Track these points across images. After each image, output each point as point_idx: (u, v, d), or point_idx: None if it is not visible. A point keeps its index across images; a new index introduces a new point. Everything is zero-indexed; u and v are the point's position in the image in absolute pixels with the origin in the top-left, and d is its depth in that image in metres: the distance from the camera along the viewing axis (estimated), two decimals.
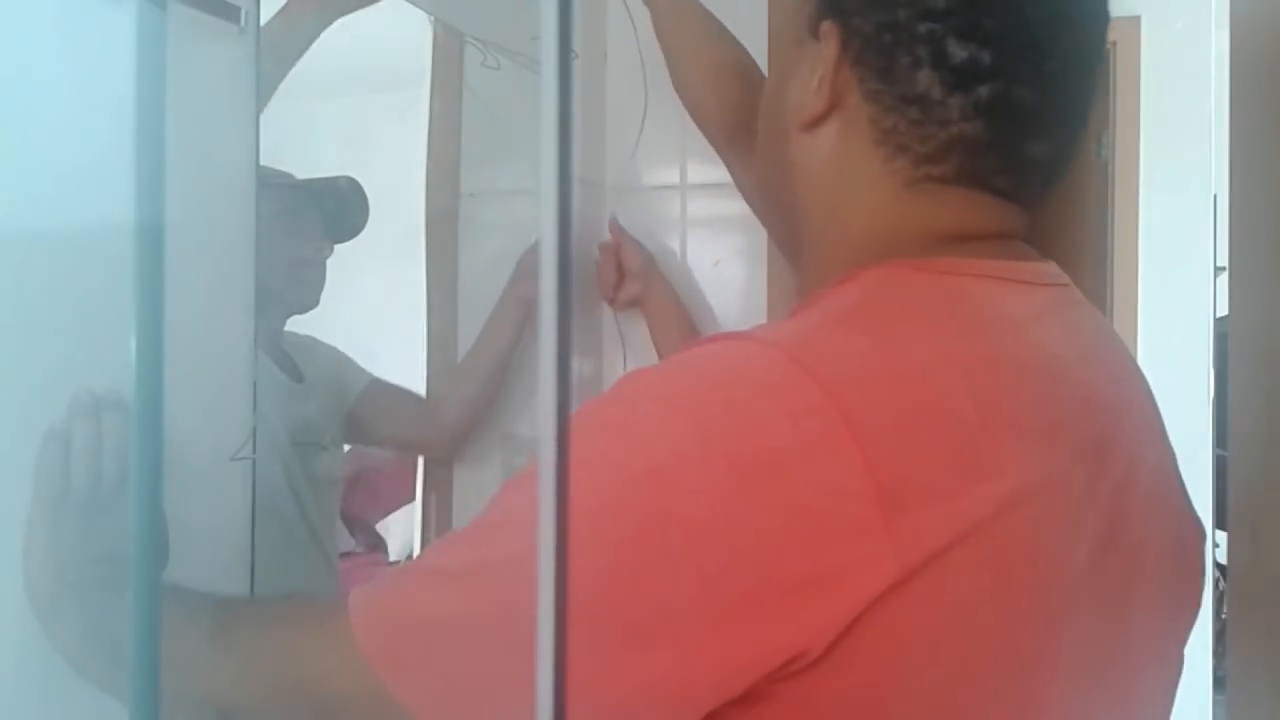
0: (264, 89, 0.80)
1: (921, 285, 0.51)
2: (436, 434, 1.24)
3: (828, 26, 0.53)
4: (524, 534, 0.43)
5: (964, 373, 0.46)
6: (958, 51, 0.50)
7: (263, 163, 0.80)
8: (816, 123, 0.55)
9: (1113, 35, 0.61)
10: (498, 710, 0.42)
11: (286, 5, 0.94)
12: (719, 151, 0.96)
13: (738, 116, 0.90)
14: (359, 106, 1.20)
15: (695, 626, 0.41)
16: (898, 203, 0.53)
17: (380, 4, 1.05)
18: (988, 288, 0.51)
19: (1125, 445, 0.52)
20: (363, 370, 1.15)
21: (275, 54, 0.88)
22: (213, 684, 0.53)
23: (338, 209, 1.08)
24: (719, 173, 0.99)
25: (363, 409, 1.14)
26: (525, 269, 1.22)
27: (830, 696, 0.42)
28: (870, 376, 0.44)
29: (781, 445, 0.42)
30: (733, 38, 0.95)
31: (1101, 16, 0.54)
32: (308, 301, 1.07)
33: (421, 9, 1.13)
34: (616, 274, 1.28)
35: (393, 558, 1.40)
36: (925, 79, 0.51)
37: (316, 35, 0.98)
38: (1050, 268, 0.56)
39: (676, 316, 1.26)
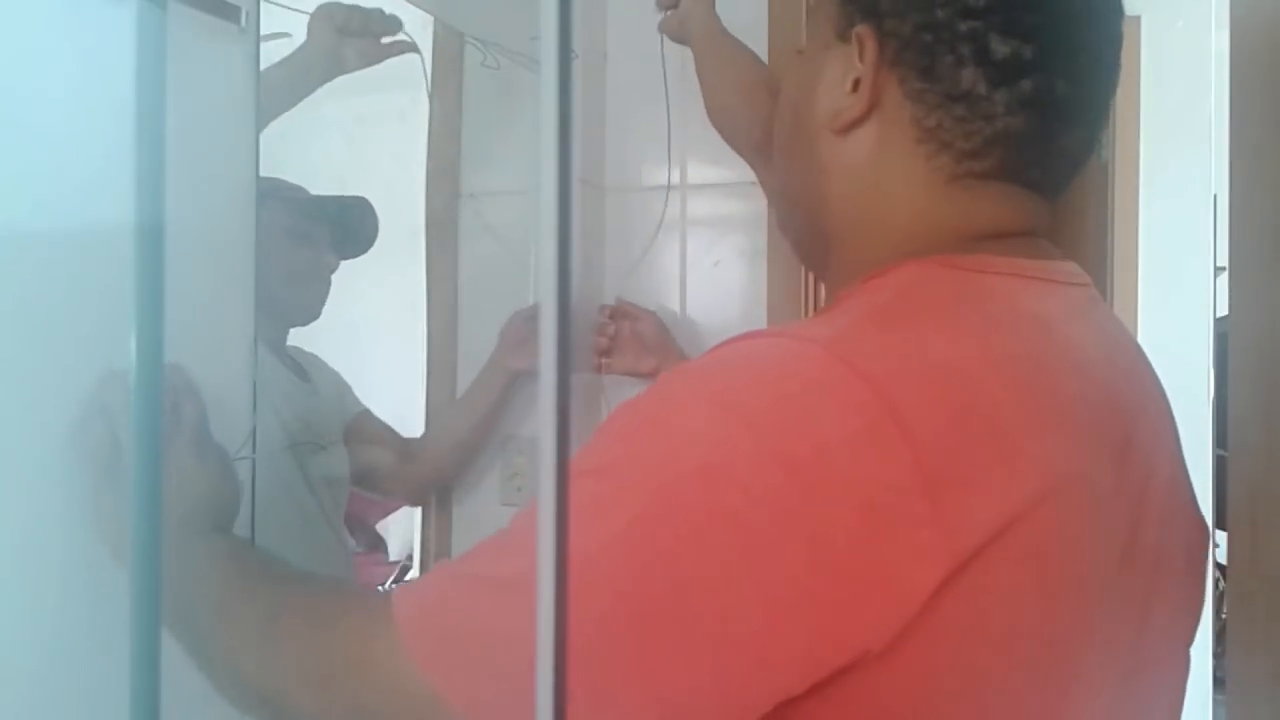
0: (261, 124, 0.81)
1: (955, 282, 0.51)
2: (408, 477, 1.25)
3: (862, 30, 0.53)
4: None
5: (1001, 369, 0.46)
6: (1000, 47, 0.50)
7: (262, 162, 0.80)
8: (854, 125, 0.55)
9: None
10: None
11: (288, 57, 0.96)
12: (749, 162, 0.97)
13: (765, 127, 0.91)
14: (359, 107, 1.20)
15: (754, 629, 0.41)
16: (937, 199, 0.53)
17: (380, 4, 1.05)
18: (1019, 286, 0.51)
19: (1143, 447, 0.52)
20: (358, 400, 1.17)
21: (276, 99, 0.89)
22: (256, 673, 0.52)
23: (348, 226, 1.10)
24: (719, 173, 1.00)
25: (351, 432, 1.15)
26: (511, 338, 1.22)
27: (885, 688, 0.42)
28: (913, 372, 0.44)
29: (830, 441, 0.41)
30: (763, 64, 0.97)
31: (1119, 11, 0.55)
32: (311, 312, 1.09)
33: (421, 9, 1.13)
34: (637, 344, 1.26)
35: (393, 557, 1.40)
36: (969, 76, 0.51)
37: (315, 88, 1.00)
38: (1072, 266, 0.56)
39: None
